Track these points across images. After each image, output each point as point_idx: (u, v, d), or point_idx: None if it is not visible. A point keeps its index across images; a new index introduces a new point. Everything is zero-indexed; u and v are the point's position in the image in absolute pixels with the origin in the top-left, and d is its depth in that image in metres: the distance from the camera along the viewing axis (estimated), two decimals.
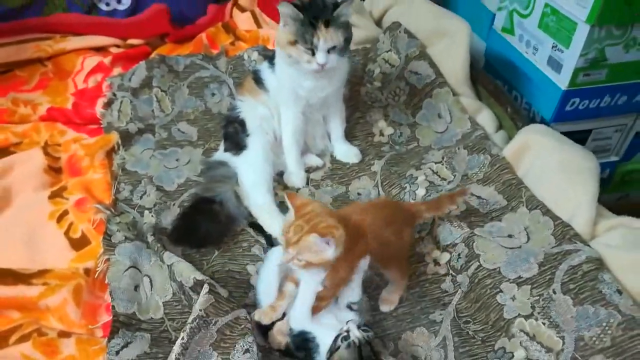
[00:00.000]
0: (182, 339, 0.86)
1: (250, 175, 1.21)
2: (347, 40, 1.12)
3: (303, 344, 0.91)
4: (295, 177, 1.28)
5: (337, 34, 1.08)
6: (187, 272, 0.97)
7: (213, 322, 0.90)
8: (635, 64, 1.28)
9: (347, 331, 0.84)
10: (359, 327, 0.85)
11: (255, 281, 1.06)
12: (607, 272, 0.88)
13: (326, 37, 1.07)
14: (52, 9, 1.76)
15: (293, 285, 0.92)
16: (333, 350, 0.84)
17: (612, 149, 1.49)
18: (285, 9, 1.06)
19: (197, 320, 0.88)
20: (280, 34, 1.11)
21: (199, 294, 0.94)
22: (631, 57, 1.27)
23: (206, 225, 1.13)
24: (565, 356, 0.84)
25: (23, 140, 1.40)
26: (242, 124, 1.27)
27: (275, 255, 1.00)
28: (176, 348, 0.85)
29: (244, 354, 0.88)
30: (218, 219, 1.15)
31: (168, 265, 1.01)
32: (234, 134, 1.27)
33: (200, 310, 0.89)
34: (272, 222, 1.17)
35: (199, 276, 0.95)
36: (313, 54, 1.08)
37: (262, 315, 0.92)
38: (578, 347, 0.83)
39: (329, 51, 1.08)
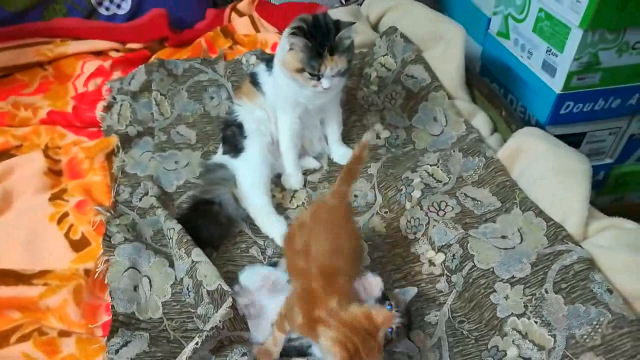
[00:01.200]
0: (196, 344, 0.87)
1: (248, 177, 1.23)
2: (350, 61, 1.15)
3: (301, 350, 0.92)
4: (293, 179, 1.29)
5: (342, 59, 1.11)
6: (212, 276, 0.98)
7: (223, 335, 0.92)
8: (629, 68, 1.30)
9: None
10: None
11: None
12: (598, 272, 0.90)
13: (332, 65, 1.09)
14: (52, 13, 1.77)
15: (282, 335, 0.89)
16: (386, 342, 0.85)
17: (606, 151, 1.50)
18: (294, 40, 1.08)
19: (214, 330, 0.90)
20: (287, 57, 1.12)
21: (214, 299, 0.96)
22: (624, 61, 1.29)
23: (207, 227, 1.14)
24: (556, 354, 0.85)
25: (23, 143, 1.41)
26: (239, 126, 1.28)
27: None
28: (188, 351, 0.86)
29: (241, 357, 0.89)
30: (218, 221, 1.16)
31: (193, 261, 1.02)
32: (232, 137, 1.29)
33: (220, 322, 0.91)
34: (269, 223, 1.18)
35: (225, 286, 0.96)
36: (319, 79, 1.11)
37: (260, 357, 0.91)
38: (569, 345, 0.85)
39: (333, 75, 1.11)
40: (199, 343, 0.87)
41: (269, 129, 1.29)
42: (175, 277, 1.06)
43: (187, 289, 1.02)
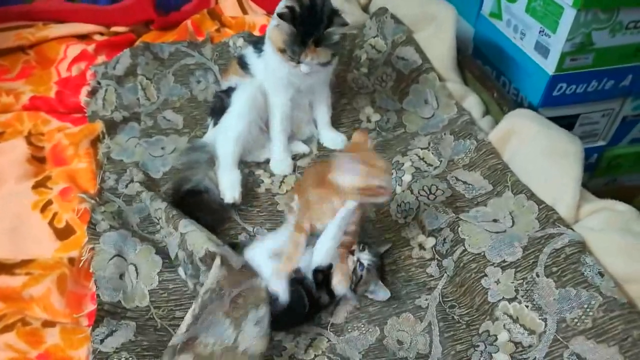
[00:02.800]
0: (194, 310, 0.86)
1: (224, 123, 1.22)
2: (335, 55, 1.13)
3: (324, 279, 0.97)
4: (282, 164, 1.27)
5: (326, 53, 1.09)
6: (200, 243, 0.97)
7: (227, 293, 0.90)
8: (622, 49, 1.28)
9: (358, 260, 0.97)
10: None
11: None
12: (590, 255, 0.89)
13: (313, 56, 1.08)
14: None
15: (303, 236, 0.96)
16: (358, 279, 0.97)
17: (599, 133, 1.49)
18: (281, 21, 1.06)
19: (209, 293, 0.88)
20: (273, 32, 1.11)
21: (208, 265, 0.94)
22: (617, 41, 1.27)
23: (205, 218, 1.12)
24: (547, 338, 0.85)
25: (6, 130, 1.38)
26: (228, 92, 1.26)
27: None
28: (187, 318, 0.86)
29: (255, 325, 0.88)
30: (212, 209, 1.15)
31: (181, 234, 1.00)
32: (220, 102, 1.27)
33: (213, 283, 0.89)
34: (222, 176, 1.18)
35: (212, 247, 0.95)
36: (299, 62, 1.09)
37: (281, 269, 0.95)
38: (560, 329, 0.84)
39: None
40: (197, 309, 0.86)
41: (257, 102, 1.26)
42: (162, 264, 1.04)
43: (184, 261, 1.01)
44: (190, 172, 1.19)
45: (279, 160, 1.28)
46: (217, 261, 0.92)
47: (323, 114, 1.33)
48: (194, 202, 1.14)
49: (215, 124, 1.28)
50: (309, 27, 1.06)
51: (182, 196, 1.15)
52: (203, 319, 0.87)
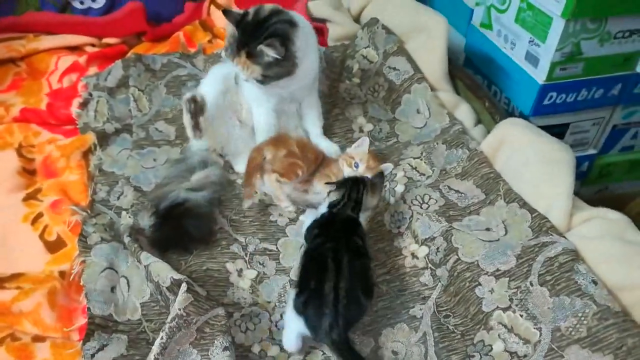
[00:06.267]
0: (162, 338, 0.85)
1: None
2: (268, 77, 1.11)
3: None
4: None
5: (255, 70, 1.08)
6: (164, 272, 0.96)
7: (194, 321, 0.89)
8: (611, 58, 1.30)
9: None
10: None
11: (234, 278, 1.06)
12: (583, 263, 0.89)
13: (243, 67, 1.08)
14: (25, 7, 1.72)
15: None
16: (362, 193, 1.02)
17: (590, 142, 1.51)
18: (227, 25, 1.08)
19: (176, 320, 0.87)
20: (227, 26, 1.12)
21: (175, 293, 0.92)
22: (606, 51, 1.29)
23: (192, 223, 1.11)
24: (542, 347, 0.84)
25: None
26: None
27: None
28: (155, 348, 0.84)
29: (223, 351, 0.87)
30: (196, 213, 1.14)
31: (145, 266, 1.00)
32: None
33: (180, 309, 0.88)
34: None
35: (176, 275, 0.94)
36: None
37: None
38: (555, 338, 0.84)
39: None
40: (164, 337, 0.84)
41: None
42: None
43: (152, 294, 1.00)
44: (163, 191, 1.18)
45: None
46: (184, 287, 0.91)
47: (314, 123, 1.32)
48: (177, 214, 1.13)
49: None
50: (246, 37, 1.07)
51: (164, 214, 1.14)
52: (171, 349, 0.85)
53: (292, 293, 0.92)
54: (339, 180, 1.08)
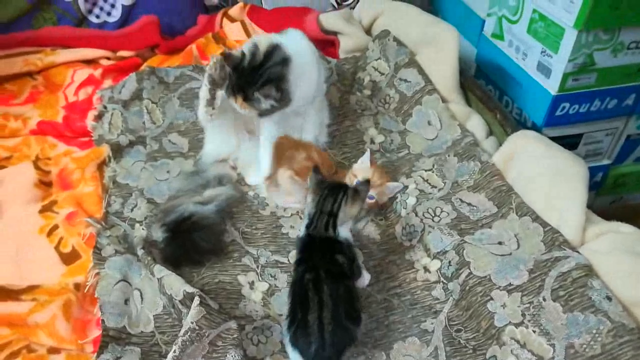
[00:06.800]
0: (174, 352, 0.86)
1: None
2: (272, 111, 1.13)
3: None
4: (258, 179, 1.28)
5: (252, 109, 1.11)
6: (177, 285, 0.97)
7: (206, 334, 0.90)
8: (624, 68, 1.29)
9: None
10: None
11: (246, 291, 1.06)
12: (597, 279, 0.88)
13: (241, 106, 1.11)
14: (42, 22, 1.75)
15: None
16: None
17: (603, 152, 1.49)
18: (209, 71, 1.12)
19: (189, 333, 0.88)
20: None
21: (188, 307, 0.93)
22: (620, 61, 1.27)
23: (200, 236, 1.12)
24: None
25: (13, 155, 1.39)
26: None
27: None
28: None
29: None
30: (204, 225, 1.15)
31: (158, 279, 1.01)
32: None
33: (192, 322, 0.89)
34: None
35: (189, 289, 0.95)
36: None
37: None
38: (568, 355, 0.83)
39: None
40: (177, 351, 0.85)
41: None
42: None
43: (165, 306, 1.01)
44: (172, 204, 1.19)
45: (257, 177, 1.28)
46: (196, 301, 0.92)
47: (307, 130, 1.32)
48: (185, 229, 1.14)
49: None
50: (242, 81, 1.10)
51: (173, 227, 1.15)
52: None
53: (285, 323, 0.93)
54: (316, 182, 1.00)
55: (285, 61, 1.11)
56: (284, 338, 0.93)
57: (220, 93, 1.17)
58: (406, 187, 1.20)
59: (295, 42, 1.18)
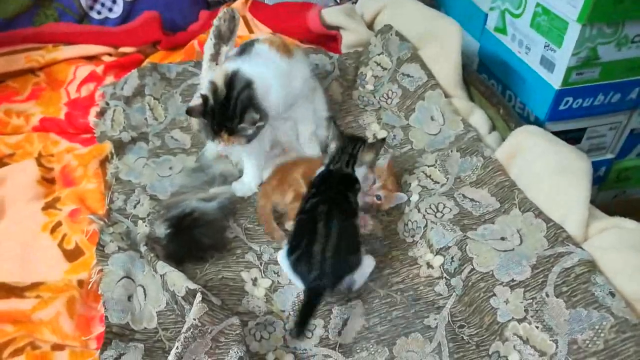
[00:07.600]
0: (177, 348, 0.86)
1: None
2: (257, 134, 1.12)
3: None
4: (245, 187, 1.26)
5: (241, 139, 1.10)
6: (180, 282, 0.97)
7: (209, 331, 0.90)
8: (628, 62, 1.28)
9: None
10: None
11: (249, 287, 1.06)
12: (600, 275, 0.88)
13: (227, 143, 1.10)
14: (43, 18, 1.75)
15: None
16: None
17: (607, 146, 1.49)
18: (191, 118, 1.09)
19: (191, 330, 0.88)
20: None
21: (191, 303, 0.93)
22: (623, 55, 1.27)
23: (202, 232, 1.13)
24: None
25: (16, 152, 1.39)
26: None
27: None
28: (170, 358, 0.85)
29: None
30: (207, 220, 1.15)
31: (161, 275, 1.01)
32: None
33: (195, 319, 0.89)
34: None
35: (192, 285, 0.95)
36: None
37: None
38: (571, 351, 0.83)
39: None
40: (179, 347, 0.85)
41: None
42: None
43: (168, 303, 1.01)
44: (176, 200, 1.19)
45: (243, 182, 1.27)
46: (199, 297, 0.92)
47: (305, 129, 1.31)
48: (187, 225, 1.14)
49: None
50: (219, 119, 1.08)
51: (175, 223, 1.15)
52: (186, 358, 0.86)
53: (285, 247, 1.02)
54: (338, 133, 1.11)
55: (249, 84, 1.09)
56: (281, 259, 1.05)
57: (225, 49, 1.16)
58: (409, 184, 1.20)
59: (257, 59, 1.15)
